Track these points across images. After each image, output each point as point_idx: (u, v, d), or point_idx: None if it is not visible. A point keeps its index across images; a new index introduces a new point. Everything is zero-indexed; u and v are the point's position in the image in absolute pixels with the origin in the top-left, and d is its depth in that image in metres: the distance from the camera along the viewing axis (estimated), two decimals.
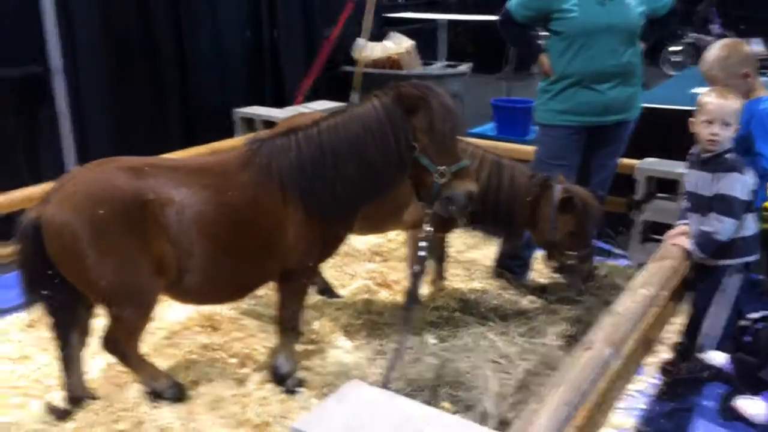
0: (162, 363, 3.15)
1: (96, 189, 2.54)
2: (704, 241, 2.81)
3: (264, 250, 2.76)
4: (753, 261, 2.90)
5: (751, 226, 2.88)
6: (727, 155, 2.80)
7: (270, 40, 6.75)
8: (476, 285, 4.04)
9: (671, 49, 11.91)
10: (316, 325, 3.54)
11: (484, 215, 3.36)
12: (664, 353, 3.34)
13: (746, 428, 2.47)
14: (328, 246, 2.92)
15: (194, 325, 3.48)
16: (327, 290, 3.90)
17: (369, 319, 3.61)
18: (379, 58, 7.27)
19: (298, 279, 2.91)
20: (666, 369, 3.17)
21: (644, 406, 2.97)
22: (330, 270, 4.23)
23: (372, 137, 2.63)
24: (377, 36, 7.84)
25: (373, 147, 2.64)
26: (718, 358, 2.67)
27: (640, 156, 4.25)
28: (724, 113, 2.78)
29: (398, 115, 2.63)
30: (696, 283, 3.03)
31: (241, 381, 3.04)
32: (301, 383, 3.02)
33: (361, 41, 6.97)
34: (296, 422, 1.86)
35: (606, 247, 4.07)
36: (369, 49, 7.17)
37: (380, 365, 3.17)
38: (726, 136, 2.77)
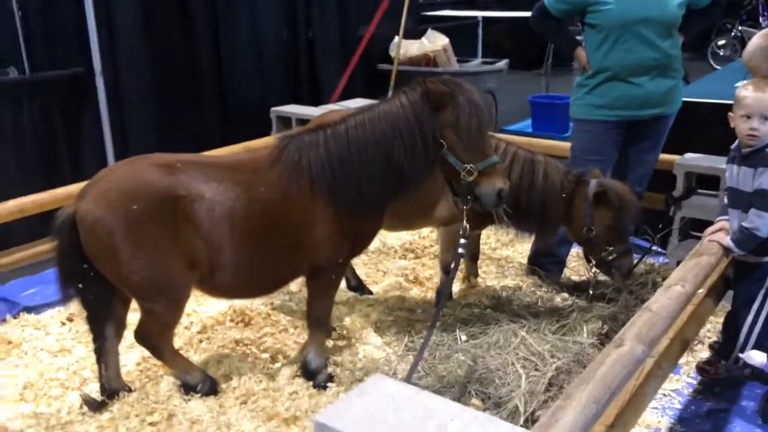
0: (195, 357, 3.21)
1: (129, 185, 2.59)
2: (743, 237, 2.72)
3: (294, 246, 2.78)
4: None
5: None
6: (767, 149, 2.69)
7: (306, 40, 6.82)
8: (509, 282, 3.99)
9: (718, 42, 11.59)
10: (347, 321, 3.55)
11: (518, 212, 3.32)
12: (702, 352, 3.25)
13: None
14: (358, 242, 2.93)
15: (227, 320, 3.53)
16: (359, 287, 3.91)
17: (400, 316, 3.61)
18: (416, 56, 7.26)
19: (327, 275, 2.93)
20: (703, 368, 3.08)
21: (680, 406, 2.89)
22: (362, 267, 4.25)
23: (398, 134, 2.63)
24: (414, 34, 7.84)
25: (400, 144, 2.63)
26: (758, 357, 2.58)
27: (680, 151, 4.14)
28: (762, 107, 2.67)
29: (425, 111, 2.62)
30: (737, 280, 2.93)
31: (271, 376, 3.07)
32: (330, 378, 3.03)
33: (397, 39, 6.97)
34: (319, 416, 1.86)
35: (645, 244, 3.97)
36: (405, 47, 7.17)
37: (410, 362, 3.15)
38: (765, 130, 2.68)
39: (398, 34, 6.85)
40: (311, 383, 3.01)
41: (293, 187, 2.70)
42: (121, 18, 5.17)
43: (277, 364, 3.18)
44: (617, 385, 2.03)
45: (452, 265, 2.95)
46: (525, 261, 4.20)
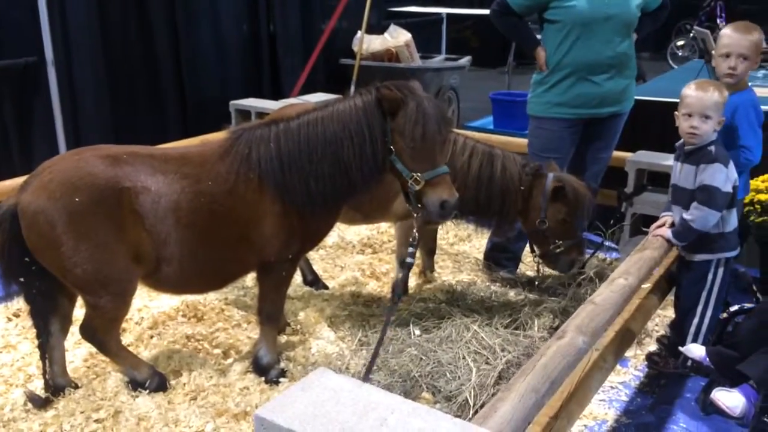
0: (144, 353, 3.16)
1: (72, 176, 2.53)
2: (681, 229, 2.81)
3: (242, 241, 2.75)
4: (733, 256, 2.86)
5: (731, 221, 2.85)
6: (711, 147, 2.76)
7: (267, 33, 6.75)
8: (464, 277, 4.02)
9: (677, 43, 11.83)
10: (301, 316, 3.53)
11: (477, 205, 3.34)
12: (650, 346, 3.32)
13: (725, 421, 2.44)
14: (308, 239, 2.90)
15: (179, 316, 3.48)
16: (314, 281, 3.90)
17: (355, 311, 3.60)
18: (378, 51, 7.25)
19: (278, 270, 2.90)
20: (653, 361, 3.14)
21: (626, 399, 2.95)
22: (320, 262, 4.23)
23: (349, 136, 2.60)
24: (377, 29, 7.83)
25: (349, 146, 2.60)
26: (698, 351, 2.63)
27: (634, 149, 4.21)
28: (703, 106, 2.75)
29: (376, 115, 2.59)
30: (679, 279, 3.00)
31: (223, 371, 3.04)
32: (283, 374, 3.02)
33: (359, 34, 6.95)
34: (259, 410, 1.85)
35: (597, 239, 4.04)
36: (368, 42, 7.15)
37: (364, 356, 3.16)
38: (705, 129, 2.74)
39: (361, 29, 6.84)
40: (263, 379, 2.98)
41: (241, 181, 2.67)
42: (75, 6, 5.06)
43: (229, 360, 3.15)
44: (557, 376, 2.05)
45: (400, 275, 3.01)
46: (481, 256, 4.23)
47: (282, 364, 3.07)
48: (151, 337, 3.31)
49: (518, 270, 4.08)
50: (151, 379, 2.86)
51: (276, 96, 6.40)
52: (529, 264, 4.16)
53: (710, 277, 2.82)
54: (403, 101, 2.56)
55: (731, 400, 2.33)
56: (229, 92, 6.06)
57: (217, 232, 2.68)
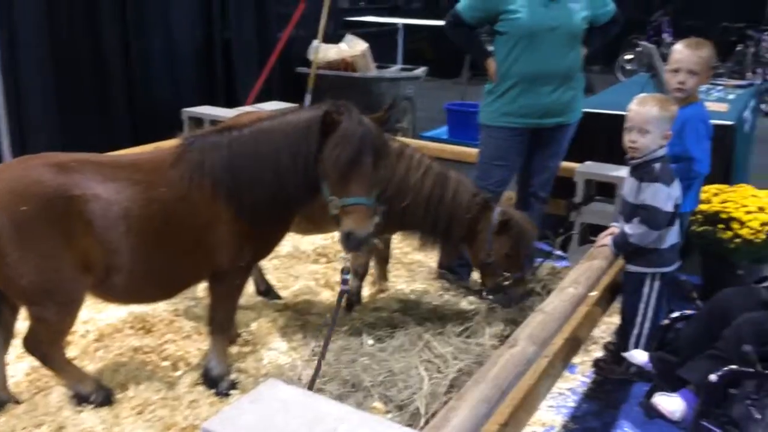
0: (90, 366, 3.08)
1: (18, 185, 2.47)
2: (620, 240, 2.90)
3: (194, 248, 2.72)
4: (670, 271, 2.95)
5: (668, 239, 2.91)
6: (655, 164, 2.83)
7: (222, 40, 6.70)
8: (418, 286, 4.05)
9: (625, 57, 12.18)
10: (253, 326, 3.50)
11: (423, 224, 3.37)
12: (597, 352, 3.39)
13: (667, 425, 2.50)
14: (261, 247, 2.89)
15: (126, 327, 3.41)
16: (268, 291, 3.87)
17: (309, 321, 3.59)
18: (334, 60, 7.26)
19: (230, 279, 2.87)
20: (599, 367, 3.22)
21: (574, 404, 3.01)
22: (274, 272, 4.20)
23: (287, 148, 2.59)
24: (334, 38, 7.84)
25: (287, 158, 2.59)
26: (641, 357, 2.71)
27: (583, 159, 4.31)
28: (641, 120, 2.84)
29: (314, 132, 2.56)
30: (622, 287, 3.07)
31: (171, 384, 2.99)
32: (233, 386, 2.98)
33: (315, 43, 6.96)
34: (207, 422, 1.83)
35: (547, 248, 4.12)
36: (324, 51, 7.16)
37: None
38: (644, 143, 2.82)
39: (317, 38, 6.84)
40: (213, 391, 2.94)
41: (194, 188, 2.64)
42: (22, 7, 4.93)
43: (178, 372, 3.09)
44: (509, 385, 2.09)
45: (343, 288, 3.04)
46: (435, 265, 4.26)
47: (233, 376, 3.03)
48: (97, 350, 3.23)
49: (471, 277, 4.13)
50: (96, 392, 2.79)
51: (230, 104, 6.34)
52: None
53: (645, 289, 2.91)
54: (337, 123, 2.52)
55: (671, 404, 2.40)
56: (182, 99, 5.97)
57: (170, 239, 2.64)
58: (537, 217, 3.90)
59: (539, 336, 2.37)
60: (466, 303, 3.78)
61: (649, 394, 2.55)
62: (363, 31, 8.45)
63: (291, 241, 4.56)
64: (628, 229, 2.84)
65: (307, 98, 6.73)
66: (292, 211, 2.71)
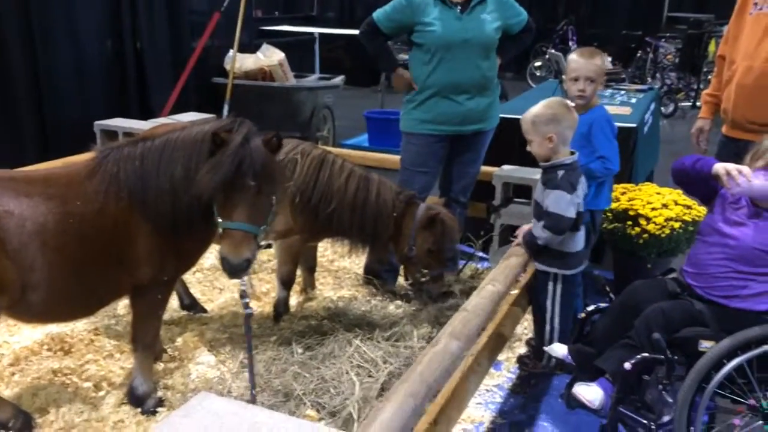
0: (6, 392, 2.93)
1: None
2: (529, 239, 3.01)
3: (114, 262, 2.64)
4: (574, 274, 3.07)
5: (572, 244, 3.02)
6: (560, 171, 2.93)
7: (134, 50, 6.52)
8: (345, 293, 4.07)
9: (535, 64, 12.70)
10: (179, 341, 3.42)
11: (351, 227, 3.41)
12: (520, 348, 3.52)
13: (588, 414, 2.63)
14: (182, 260, 2.83)
15: (43, 350, 3.26)
16: (192, 305, 3.79)
17: (236, 333, 3.54)
18: (251, 70, 7.20)
19: (152, 294, 2.80)
20: (523, 362, 3.34)
21: (501, 400, 3.11)
22: (197, 285, 4.13)
23: (182, 163, 2.54)
24: (250, 48, 7.78)
25: (180, 173, 2.54)
26: (560, 350, 2.83)
27: (500, 164, 4.46)
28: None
29: (203, 151, 2.51)
30: (535, 285, 3.20)
31: (95, 405, 2.88)
32: (160, 403, 2.91)
33: (231, 53, 6.88)
34: None
35: (469, 250, 4.24)
36: (240, 61, 7.10)
37: (246, 378, 3.11)
38: (536, 150, 2.96)
39: (233, 48, 6.77)
40: (139, 410, 2.86)
41: (111, 201, 2.57)
42: None
43: (101, 393, 2.99)
44: (434, 380, 2.13)
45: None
46: (361, 271, 4.30)
47: (159, 393, 2.96)
48: (13, 374, 3.07)
49: (397, 282, 4.19)
50: (14, 419, 2.65)
51: (145, 115, 6.18)
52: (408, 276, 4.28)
53: (550, 288, 3.03)
54: (223, 143, 2.43)
55: (590, 393, 2.53)
56: (93, 112, 5.77)
57: (88, 254, 2.56)
58: (459, 221, 4.01)
59: (461, 332, 2.41)
60: (394, 307, 3.83)
61: (570, 386, 2.66)
62: (279, 40, 8.43)
63: (214, 254, 4.48)
64: (535, 231, 2.97)
65: (225, 108, 6.66)
66: (209, 224, 2.59)
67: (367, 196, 3.39)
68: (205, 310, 3.80)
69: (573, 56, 3.39)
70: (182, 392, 3.00)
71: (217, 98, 6.90)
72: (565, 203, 2.88)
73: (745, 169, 2.43)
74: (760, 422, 2.44)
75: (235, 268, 2.47)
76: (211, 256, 4.42)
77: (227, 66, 6.95)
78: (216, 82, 7.24)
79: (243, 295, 2.64)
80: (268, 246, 3.42)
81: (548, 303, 3.03)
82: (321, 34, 9.00)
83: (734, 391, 2.42)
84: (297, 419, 1.90)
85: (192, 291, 3.87)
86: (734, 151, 3.11)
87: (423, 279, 3.46)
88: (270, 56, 7.32)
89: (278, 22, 9.98)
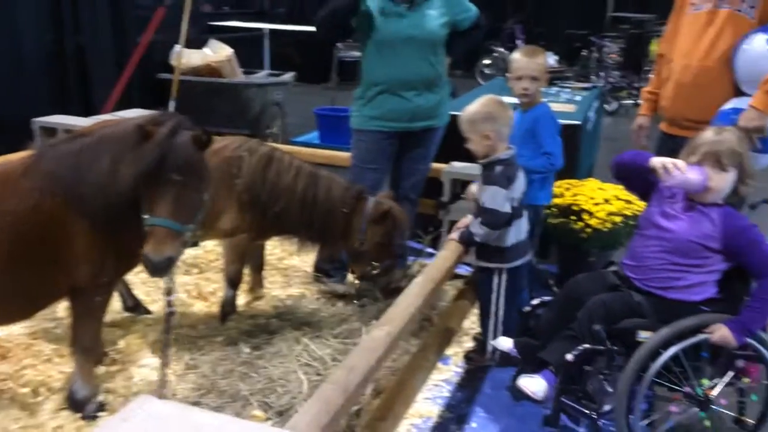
0: None
1: None
2: (466, 237, 3.03)
3: (50, 263, 2.55)
4: (515, 267, 3.11)
5: (509, 238, 3.06)
6: (497, 167, 2.97)
7: (75, 45, 6.32)
8: (294, 291, 4.04)
9: (484, 62, 12.85)
10: (121, 344, 3.34)
11: (301, 225, 3.38)
12: (468, 343, 3.56)
13: (533, 405, 2.68)
14: (123, 260, 2.75)
15: None
16: (135, 307, 3.70)
17: (181, 334, 3.48)
18: (199, 66, 7.07)
19: (92, 296, 2.71)
20: (470, 357, 3.37)
21: (449, 394, 3.14)
22: (141, 286, 4.02)
23: (110, 158, 2.47)
24: (198, 43, 7.64)
25: (108, 168, 2.47)
26: (506, 343, 2.87)
27: (449, 160, 4.49)
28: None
29: (128, 144, 2.44)
30: (478, 280, 3.24)
31: (32, 411, 2.79)
32: (101, 408, 2.83)
33: (178, 48, 6.74)
34: None
35: (418, 246, 4.26)
36: (187, 57, 6.95)
37: (191, 380, 3.07)
38: (473, 147, 3.00)
39: (179, 43, 6.63)
40: (79, 415, 2.78)
41: (47, 198, 2.48)
42: None
43: (40, 398, 2.89)
44: (369, 370, 2.11)
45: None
46: (310, 269, 4.28)
47: (100, 398, 2.88)
48: None
49: (347, 279, 4.18)
50: None
51: (87, 112, 6.00)
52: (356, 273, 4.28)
53: (495, 283, 3.07)
54: (149, 136, 2.37)
55: (534, 385, 2.57)
56: (32, 109, 5.56)
57: (24, 254, 2.47)
58: (409, 217, 4.02)
59: (393, 322, 2.41)
60: (342, 305, 3.83)
61: (515, 378, 2.71)
62: (227, 36, 8.30)
63: None
64: (472, 228, 2.99)
65: (171, 105, 6.52)
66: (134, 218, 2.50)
67: (316, 193, 3.38)
68: (149, 312, 3.71)
69: (516, 55, 3.44)
70: (124, 396, 2.93)
71: (163, 95, 6.73)
72: (501, 199, 2.92)
73: (680, 162, 2.51)
74: (696, 409, 2.53)
75: (156, 266, 2.39)
76: None
77: (173, 62, 6.80)
78: (162, 78, 7.09)
79: (167, 292, 2.58)
80: (194, 245, 3.36)
81: (493, 297, 3.06)
82: (271, 30, 8.91)
83: (671, 379, 2.50)
84: (242, 420, 1.87)
85: (135, 292, 3.78)
86: (671, 147, 3.20)
87: (374, 272, 3.46)
88: (218, 52, 7.20)
89: (227, 18, 9.85)
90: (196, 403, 2.83)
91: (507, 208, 2.94)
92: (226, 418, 1.92)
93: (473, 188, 3.19)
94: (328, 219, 3.39)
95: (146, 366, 3.17)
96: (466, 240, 3.04)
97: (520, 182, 3.04)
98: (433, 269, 2.76)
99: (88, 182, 2.49)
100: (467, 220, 3.15)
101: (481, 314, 3.20)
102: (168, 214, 2.38)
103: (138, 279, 4.07)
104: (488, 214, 2.94)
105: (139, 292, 3.85)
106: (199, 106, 6.59)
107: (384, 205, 3.43)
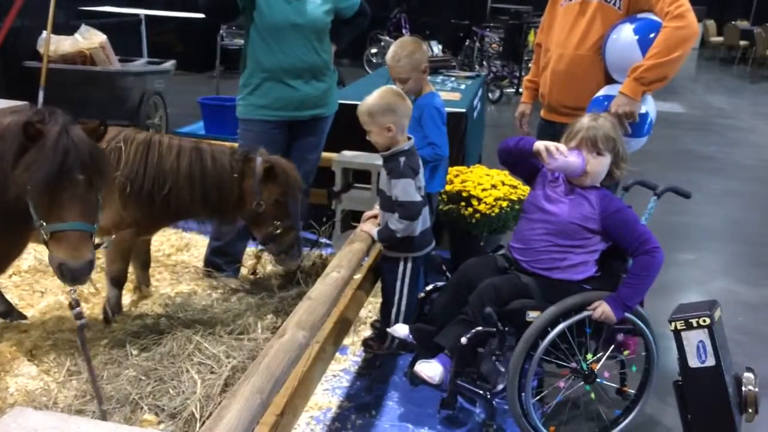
0: None
1: None
2: (386, 235, 3.01)
3: None
4: (422, 255, 3.15)
5: (419, 227, 3.07)
6: (401, 158, 2.95)
7: None
8: (184, 288, 3.89)
9: (371, 51, 12.94)
10: None
11: (194, 203, 3.25)
12: (365, 332, 3.57)
13: (431, 390, 2.73)
14: None
15: None
16: (9, 312, 3.43)
17: (61, 339, 3.26)
18: (69, 53, 6.63)
19: None
20: (368, 345, 3.39)
21: (347, 384, 3.14)
22: (14, 289, 3.74)
23: None
24: (68, 29, 7.17)
25: None
26: (402, 330, 2.90)
27: (340, 149, 4.48)
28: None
29: (10, 146, 2.24)
30: (381, 271, 3.25)
31: None
32: None
33: (45, 34, 6.28)
34: None
35: (312, 237, 4.22)
36: (56, 43, 6.51)
37: (74, 387, 2.88)
38: (375, 140, 2.98)
39: (46, 29, 6.18)
40: None
41: None
42: None
43: None
44: (281, 373, 2.10)
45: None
46: (201, 264, 4.14)
47: None
48: None
49: (240, 273, 4.08)
50: None
51: None
52: (250, 267, 4.19)
53: (400, 272, 3.09)
54: (40, 134, 2.19)
55: (430, 370, 2.62)
56: None
57: None
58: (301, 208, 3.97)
59: (307, 321, 2.40)
60: (236, 300, 3.72)
61: (412, 364, 2.75)
62: (100, 21, 7.83)
63: (33, 254, 4.10)
64: (392, 225, 2.96)
65: (41, 95, 6.07)
66: (22, 224, 2.33)
67: (203, 167, 3.26)
68: (24, 317, 3.45)
69: (388, 54, 3.48)
70: (0, 408, 2.71)
71: (31, 83, 6.27)
72: (412, 190, 2.94)
73: (561, 146, 2.63)
74: (581, 383, 2.67)
75: (77, 273, 2.23)
76: (29, 257, 4.05)
77: (41, 49, 6.34)
78: (28, 66, 6.60)
79: (74, 304, 2.39)
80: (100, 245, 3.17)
81: (397, 285, 3.08)
82: (148, 16, 8.48)
83: (558, 356, 2.63)
84: (131, 427, 1.78)
85: (8, 296, 3.50)
86: (551, 133, 3.35)
87: (276, 232, 3.38)
88: (90, 38, 6.77)
89: (100, 2, 9.27)
90: (79, 412, 2.66)
91: (419, 197, 2.96)
92: (110, 426, 1.82)
93: (369, 214, 3.19)
94: (221, 187, 3.28)
95: (23, 375, 2.94)
96: (388, 238, 3.01)
97: (422, 171, 3.08)
98: (346, 265, 2.75)
99: None
100: (375, 211, 3.14)
101: (384, 302, 3.21)
102: (78, 217, 2.21)
103: (10, 282, 3.79)
104: (404, 208, 2.93)
105: (13, 296, 3.57)
106: (71, 95, 6.18)
107: (270, 160, 3.36)
